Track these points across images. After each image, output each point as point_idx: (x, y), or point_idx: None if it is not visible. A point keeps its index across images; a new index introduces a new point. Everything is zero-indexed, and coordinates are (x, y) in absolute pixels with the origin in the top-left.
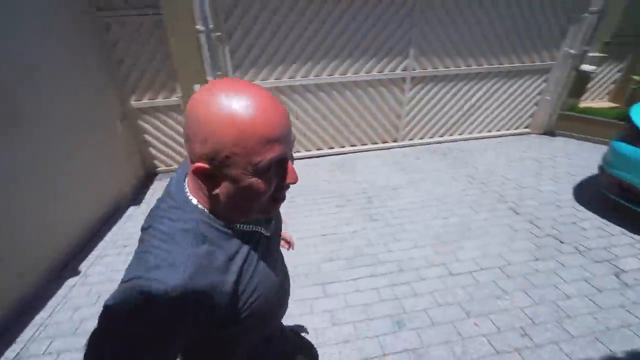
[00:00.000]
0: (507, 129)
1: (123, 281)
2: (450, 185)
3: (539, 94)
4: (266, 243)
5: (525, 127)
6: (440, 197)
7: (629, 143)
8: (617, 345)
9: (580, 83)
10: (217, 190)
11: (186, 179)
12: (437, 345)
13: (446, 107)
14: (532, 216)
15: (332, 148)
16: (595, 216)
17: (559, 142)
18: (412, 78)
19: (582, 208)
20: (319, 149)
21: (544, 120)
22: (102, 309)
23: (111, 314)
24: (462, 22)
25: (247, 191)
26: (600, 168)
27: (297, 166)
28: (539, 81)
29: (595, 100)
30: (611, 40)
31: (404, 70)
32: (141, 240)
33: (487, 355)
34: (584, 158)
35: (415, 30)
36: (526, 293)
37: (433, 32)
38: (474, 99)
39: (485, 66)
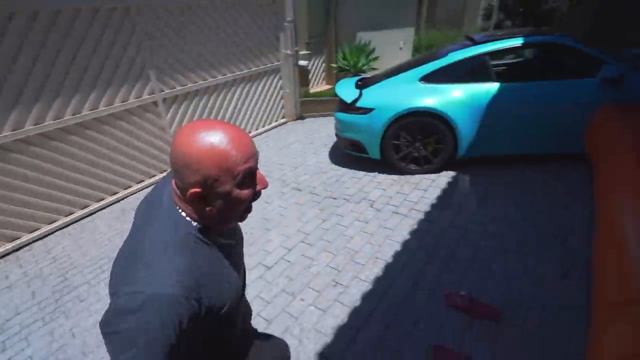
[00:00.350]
0: (270, 123)
1: (118, 297)
2: None
3: (281, 88)
4: (235, 252)
5: (283, 118)
6: None
7: (342, 111)
8: (387, 255)
9: (303, 75)
10: (209, 207)
11: (172, 195)
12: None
13: (211, 117)
14: (310, 187)
15: (103, 200)
16: (348, 170)
17: (308, 123)
18: (164, 100)
19: (338, 167)
20: (85, 207)
21: (292, 109)
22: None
23: (130, 332)
24: (193, 40)
25: (234, 201)
26: (336, 134)
27: (62, 233)
28: (276, 79)
29: (319, 85)
30: (309, 41)
31: (151, 94)
32: (135, 241)
33: (318, 320)
34: (328, 130)
35: (147, 52)
36: (327, 251)
37: (167, 51)
38: (232, 105)
39: (229, 75)
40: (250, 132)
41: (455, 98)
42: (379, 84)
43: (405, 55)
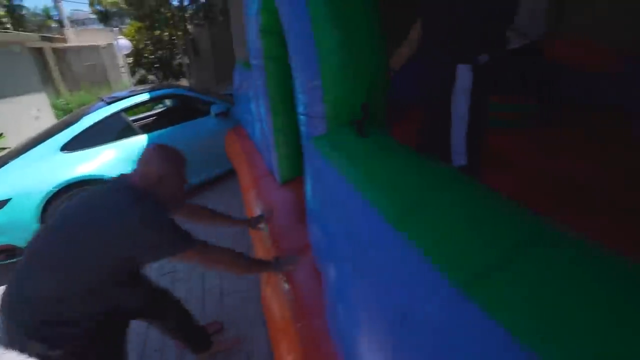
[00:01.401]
0: None
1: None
2: None
3: None
4: None
5: None
6: None
7: None
8: None
9: None
10: (165, 187)
11: (130, 187)
12: None
13: None
14: None
15: None
16: None
17: None
18: None
19: None
20: None
21: None
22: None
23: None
24: None
25: (180, 185)
26: None
27: None
28: None
29: None
30: None
31: None
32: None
33: None
34: None
35: None
36: None
37: None
38: None
39: None
40: None
41: (112, 158)
42: (7, 167)
43: (47, 124)
